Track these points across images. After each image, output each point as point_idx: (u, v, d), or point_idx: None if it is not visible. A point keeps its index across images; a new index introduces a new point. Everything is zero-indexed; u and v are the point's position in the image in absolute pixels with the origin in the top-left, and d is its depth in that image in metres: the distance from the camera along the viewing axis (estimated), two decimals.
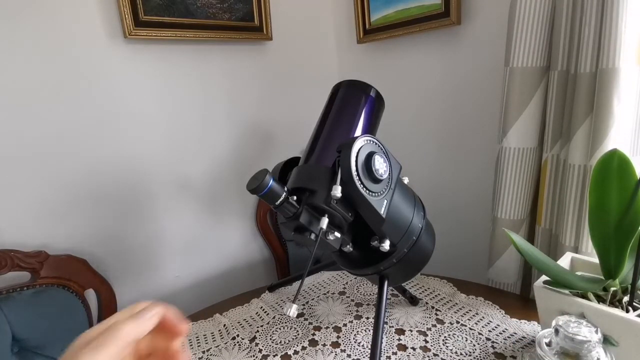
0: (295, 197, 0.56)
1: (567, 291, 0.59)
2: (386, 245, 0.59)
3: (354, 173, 0.53)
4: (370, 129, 0.65)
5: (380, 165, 0.55)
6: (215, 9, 1.08)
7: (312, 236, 0.55)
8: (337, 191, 0.53)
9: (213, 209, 1.21)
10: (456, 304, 0.81)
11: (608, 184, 0.57)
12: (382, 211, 0.56)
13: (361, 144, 0.54)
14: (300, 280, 0.55)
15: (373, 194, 0.55)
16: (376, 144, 0.57)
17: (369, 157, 0.54)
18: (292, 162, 0.66)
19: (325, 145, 0.62)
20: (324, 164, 0.59)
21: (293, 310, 0.50)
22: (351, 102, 0.66)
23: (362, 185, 0.53)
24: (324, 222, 0.55)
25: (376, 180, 0.55)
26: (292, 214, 0.55)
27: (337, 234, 0.57)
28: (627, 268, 0.58)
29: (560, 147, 0.82)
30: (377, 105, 0.67)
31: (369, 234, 0.61)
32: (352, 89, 0.67)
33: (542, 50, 0.80)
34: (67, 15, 0.90)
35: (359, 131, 0.64)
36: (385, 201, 0.56)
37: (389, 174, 0.57)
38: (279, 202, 0.54)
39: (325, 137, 0.63)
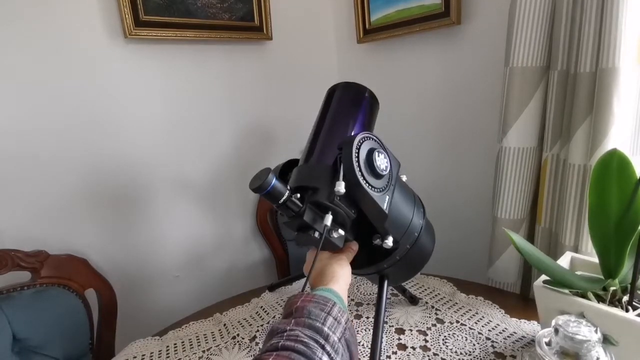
0: (298, 195, 0.56)
1: (566, 291, 0.59)
2: (389, 241, 0.59)
3: (357, 168, 0.53)
4: (367, 128, 0.66)
5: (381, 161, 0.56)
6: (216, 9, 1.08)
7: (316, 234, 0.55)
8: (341, 187, 0.53)
9: (213, 209, 1.21)
10: (456, 303, 0.81)
11: (608, 183, 0.57)
12: (385, 207, 0.56)
13: (362, 140, 0.55)
14: (306, 279, 0.55)
15: (375, 190, 0.55)
16: (376, 141, 0.58)
17: (370, 153, 0.55)
18: (290, 165, 0.66)
19: (325, 144, 0.62)
20: (325, 163, 0.60)
21: None
22: (348, 102, 0.67)
23: (364, 181, 0.54)
24: (328, 219, 0.54)
25: (378, 175, 0.55)
26: (295, 213, 0.55)
27: (341, 231, 0.57)
28: (627, 268, 0.58)
29: (560, 146, 0.82)
30: (372, 105, 0.68)
31: (371, 232, 0.61)
32: (348, 91, 0.68)
33: (542, 49, 0.80)
34: (67, 15, 0.90)
35: (357, 130, 0.64)
36: (387, 197, 0.57)
37: (390, 170, 0.57)
38: (282, 200, 0.53)
39: (324, 137, 0.64)
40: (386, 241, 0.59)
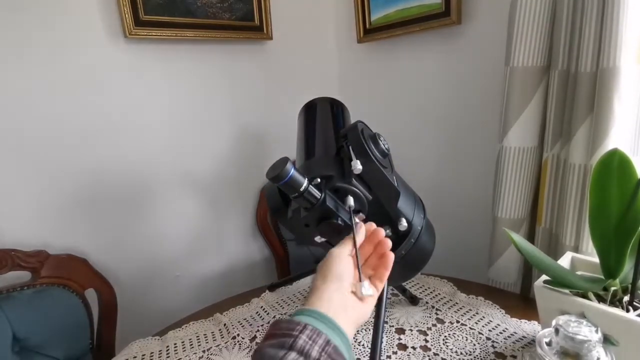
0: (318, 180, 0.54)
1: (567, 291, 0.59)
2: (404, 222, 0.59)
3: (366, 146, 0.55)
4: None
5: (384, 141, 0.59)
6: (216, 9, 1.08)
7: (339, 221, 0.53)
8: (357, 164, 0.54)
9: (213, 209, 1.21)
10: (456, 303, 0.81)
11: (608, 183, 0.57)
12: (395, 184, 0.57)
13: (362, 126, 0.59)
14: (356, 259, 0.49)
15: (385, 168, 0.57)
16: (369, 128, 0.62)
17: (373, 135, 0.59)
18: None
19: (326, 141, 0.64)
20: (329, 155, 0.61)
21: (366, 287, 0.46)
22: (329, 108, 0.74)
23: (374, 158, 0.55)
24: (351, 200, 0.54)
25: (384, 154, 0.58)
26: (315, 202, 0.52)
27: (362, 215, 0.57)
28: (628, 267, 0.58)
29: (560, 146, 0.82)
30: (343, 109, 0.78)
31: (380, 225, 0.61)
32: (325, 101, 0.77)
33: (543, 49, 0.80)
34: (67, 15, 0.90)
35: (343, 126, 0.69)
36: (394, 177, 0.59)
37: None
38: (302, 189, 0.50)
39: (321, 136, 0.66)
40: (401, 222, 0.59)
